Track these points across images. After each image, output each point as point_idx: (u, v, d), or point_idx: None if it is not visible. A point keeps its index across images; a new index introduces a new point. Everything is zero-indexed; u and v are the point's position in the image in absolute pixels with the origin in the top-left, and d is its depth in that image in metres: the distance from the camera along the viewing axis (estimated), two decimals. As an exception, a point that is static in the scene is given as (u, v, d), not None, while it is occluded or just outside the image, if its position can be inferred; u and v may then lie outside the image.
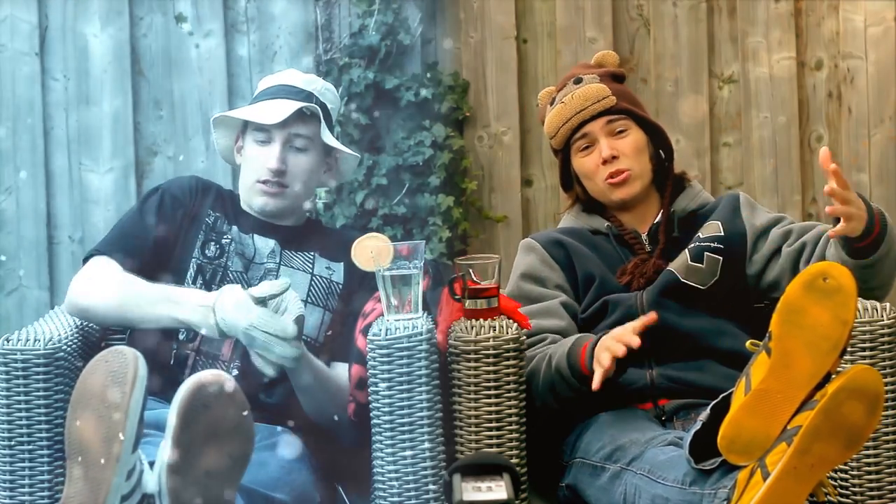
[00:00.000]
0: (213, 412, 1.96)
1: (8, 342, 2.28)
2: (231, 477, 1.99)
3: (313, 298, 2.54)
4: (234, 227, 2.56)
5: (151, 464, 2.02)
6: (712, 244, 2.52)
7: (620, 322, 2.43)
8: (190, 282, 2.50)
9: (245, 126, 2.60)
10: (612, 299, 2.50)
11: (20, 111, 3.67)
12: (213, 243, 2.54)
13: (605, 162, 2.54)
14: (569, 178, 2.66)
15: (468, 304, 2.38)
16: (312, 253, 2.59)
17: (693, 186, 2.66)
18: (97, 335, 2.59)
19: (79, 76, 3.69)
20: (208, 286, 2.49)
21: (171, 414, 1.96)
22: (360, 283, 2.51)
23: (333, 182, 2.72)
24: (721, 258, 2.51)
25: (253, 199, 2.57)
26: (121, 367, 1.94)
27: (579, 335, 2.43)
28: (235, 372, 2.43)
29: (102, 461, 1.90)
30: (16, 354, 2.24)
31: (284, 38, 3.73)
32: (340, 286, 2.57)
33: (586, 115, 2.56)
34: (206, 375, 1.99)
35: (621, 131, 2.57)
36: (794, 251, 2.48)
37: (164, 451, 1.97)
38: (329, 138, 2.58)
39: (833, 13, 3.91)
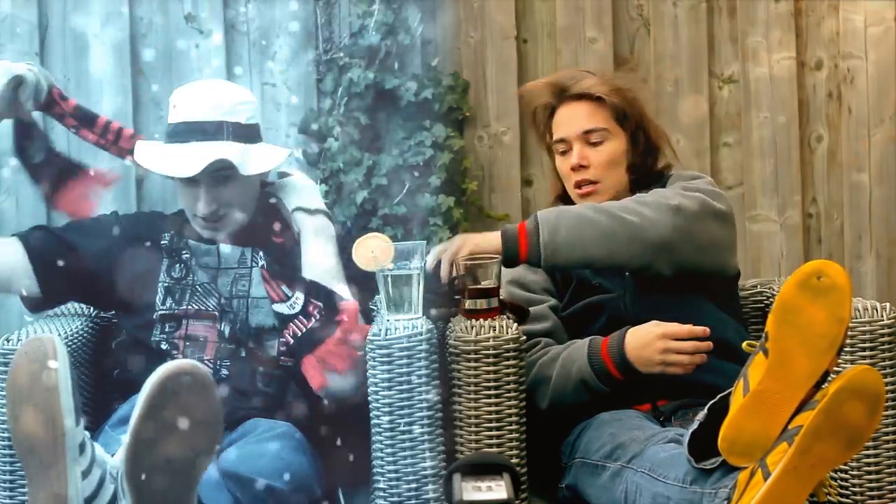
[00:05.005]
0: (182, 401, 1.96)
1: (8, 342, 2.28)
2: (192, 469, 1.98)
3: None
4: (191, 240, 2.56)
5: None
6: None
7: (610, 326, 2.46)
8: (159, 304, 2.50)
9: None
10: (595, 302, 2.52)
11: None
12: (176, 264, 2.54)
13: (573, 169, 2.60)
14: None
15: (468, 304, 2.38)
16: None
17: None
18: (97, 335, 2.59)
19: (79, 76, 3.69)
20: (178, 304, 2.50)
21: (141, 395, 1.96)
22: None
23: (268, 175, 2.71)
24: None
25: (200, 231, 2.57)
26: (38, 350, 1.95)
27: (587, 340, 2.45)
28: (224, 372, 2.44)
29: (51, 443, 1.91)
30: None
31: (284, 38, 3.72)
32: None
33: None
34: (183, 364, 1.98)
35: (597, 142, 2.60)
36: None
37: (128, 431, 1.97)
38: (251, 167, 2.50)
39: (833, 13, 3.91)
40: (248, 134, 2.53)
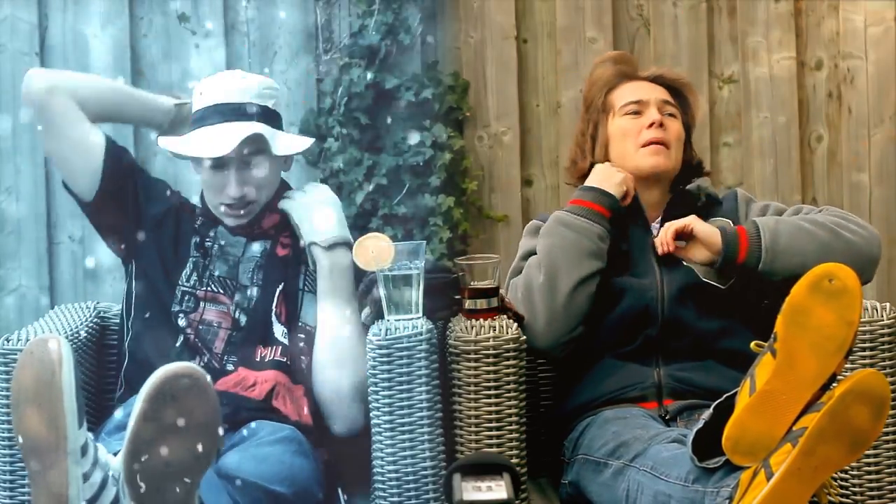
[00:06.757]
0: (181, 405, 1.95)
1: (8, 342, 2.28)
2: (191, 473, 1.98)
3: (310, 287, 2.54)
4: (221, 228, 2.57)
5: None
6: None
7: (634, 309, 2.46)
8: (185, 279, 2.51)
9: None
10: (627, 283, 2.50)
11: (20, 111, 3.66)
12: (203, 242, 2.55)
13: (651, 125, 2.57)
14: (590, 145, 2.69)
15: (468, 304, 2.38)
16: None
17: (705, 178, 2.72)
18: (97, 334, 2.59)
19: (78, 76, 3.68)
20: (200, 284, 2.50)
21: (139, 397, 1.96)
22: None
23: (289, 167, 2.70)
24: None
25: (224, 218, 2.56)
26: (45, 352, 1.95)
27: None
28: (230, 367, 2.44)
29: (53, 444, 1.92)
30: (16, 354, 2.24)
31: (284, 38, 3.73)
32: None
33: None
34: (180, 367, 1.98)
35: (671, 114, 2.61)
36: None
37: (127, 433, 1.97)
38: (280, 148, 2.52)
39: (833, 13, 3.91)
40: (274, 118, 2.55)
